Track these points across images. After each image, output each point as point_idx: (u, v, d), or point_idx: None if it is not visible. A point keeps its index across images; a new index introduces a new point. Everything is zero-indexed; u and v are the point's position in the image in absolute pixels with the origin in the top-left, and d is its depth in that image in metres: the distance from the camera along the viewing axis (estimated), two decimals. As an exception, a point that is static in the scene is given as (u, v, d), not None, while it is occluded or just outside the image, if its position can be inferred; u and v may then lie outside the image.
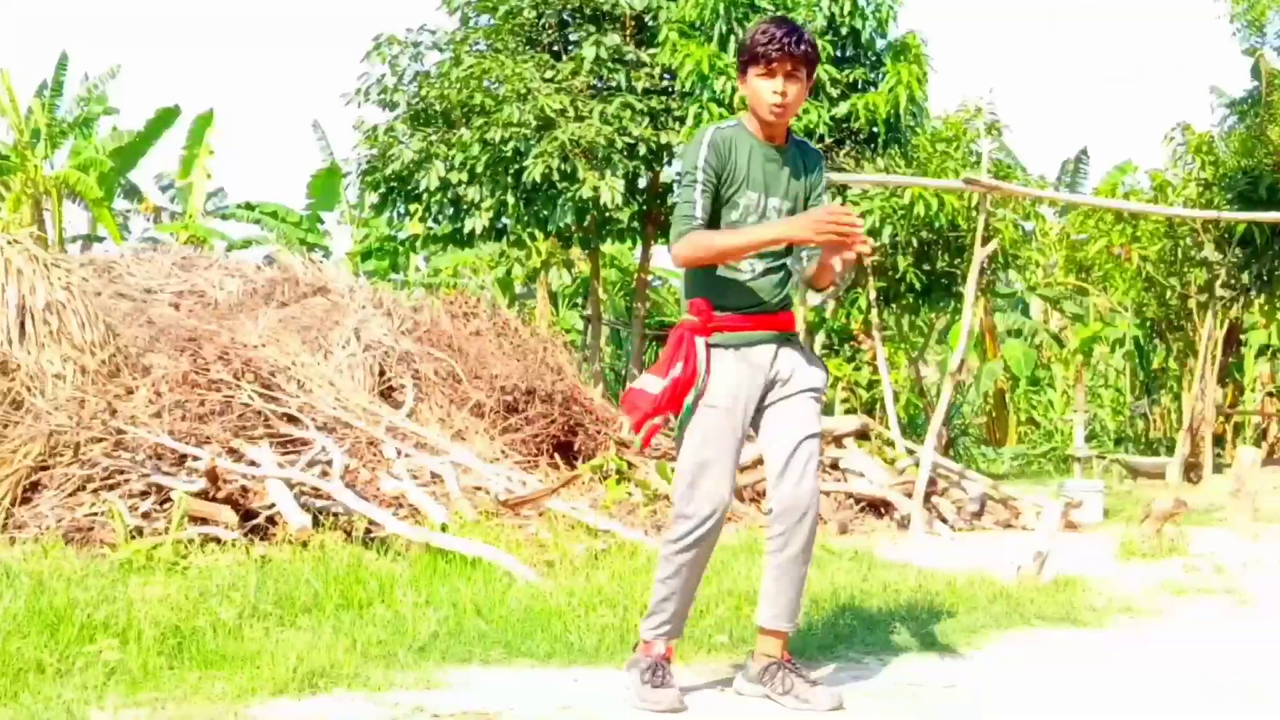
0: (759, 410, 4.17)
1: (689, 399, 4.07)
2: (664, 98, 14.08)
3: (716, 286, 4.14)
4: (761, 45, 4.06)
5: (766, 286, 4.16)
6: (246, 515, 7.01)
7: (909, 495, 9.28)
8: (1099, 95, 73.09)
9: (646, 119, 13.76)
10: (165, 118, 24.84)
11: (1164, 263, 15.24)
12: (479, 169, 13.57)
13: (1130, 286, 15.87)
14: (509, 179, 13.58)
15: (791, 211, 4.16)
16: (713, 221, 4.09)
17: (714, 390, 4.08)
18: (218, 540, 6.68)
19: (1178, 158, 14.90)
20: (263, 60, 78.77)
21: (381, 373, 9.46)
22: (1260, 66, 14.81)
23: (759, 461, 9.69)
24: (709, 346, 4.10)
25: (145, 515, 6.92)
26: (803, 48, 4.06)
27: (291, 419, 8.24)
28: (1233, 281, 14.90)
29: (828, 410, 17.16)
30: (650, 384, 4.13)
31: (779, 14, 4.22)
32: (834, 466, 10.13)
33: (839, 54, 13.36)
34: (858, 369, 17.25)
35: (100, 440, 7.38)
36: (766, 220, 4.12)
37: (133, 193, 27.43)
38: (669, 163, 14.69)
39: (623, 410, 4.35)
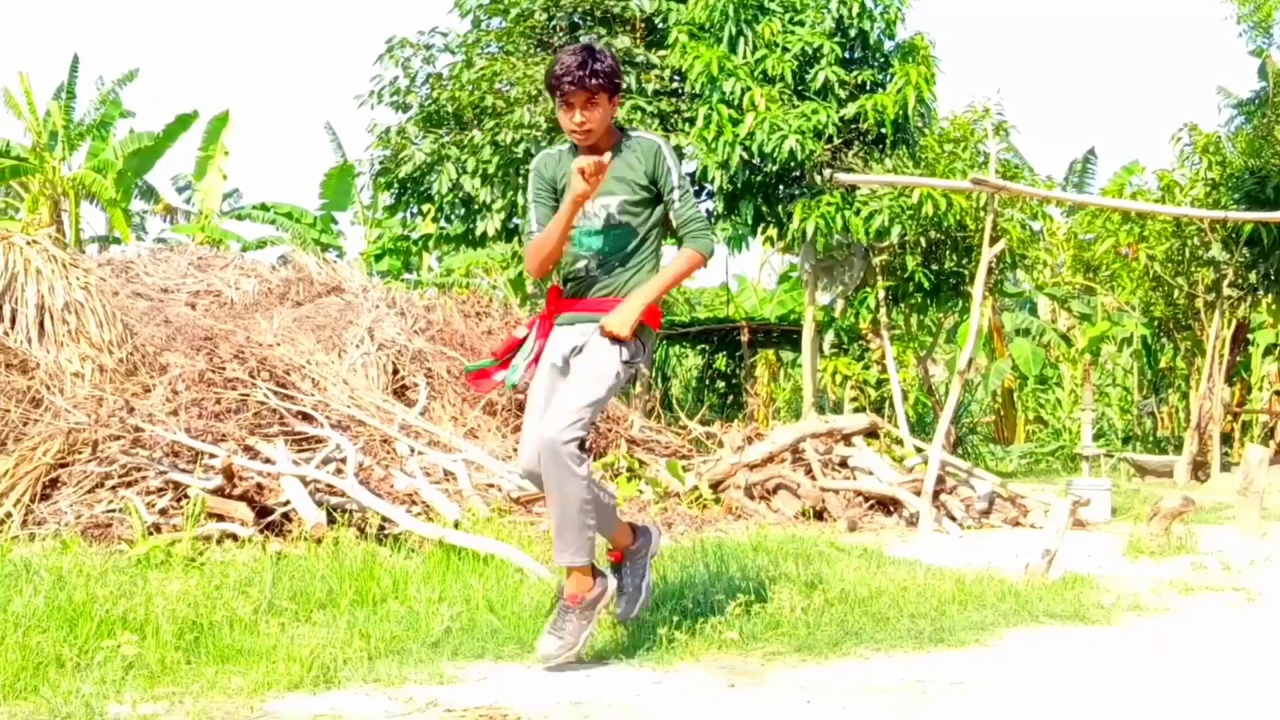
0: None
1: (518, 360, 4.59)
2: (674, 99, 14.14)
3: (563, 277, 4.66)
4: (555, 79, 4.36)
5: (598, 281, 4.55)
6: (262, 512, 7.08)
7: (918, 493, 9.31)
8: (1107, 96, 72.95)
9: (656, 120, 13.82)
10: (183, 122, 24.91)
11: (1171, 262, 15.26)
12: (491, 170, 13.65)
13: (1138, 286, 15.89)
14: (520, 180, 13.64)
15: (623, 204, 4.50)
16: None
17: (548, 349, 4.59)
18: (234, 537, 6.76)
19: (1185, 158, 14.92)
20: (278, 62, 79.00)
21: (395, 371, 9.54)
22: (1267, 67, 14.82)
23: (769, 459, 9.76)
24: (551, 322, 4.62)
25: (162, 512, 6.99)
26: (593, 80, 4.33)
27: (306, 417, 8.32)
28: (1240, 281, 14.92)
29: (837, 408, 17.20)
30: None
31: (579, 45, 4.38)
32: (843, 464, 10.18)
33: (847, 55, 13.42)
34: (866, 368, 17.27)
35: (118, 438, 7.46)
36: (590, 219, 4.52)
37: (149, 194, 27.52)
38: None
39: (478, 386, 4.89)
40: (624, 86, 4.53)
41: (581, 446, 4.36)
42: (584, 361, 4.47)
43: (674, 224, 4.61)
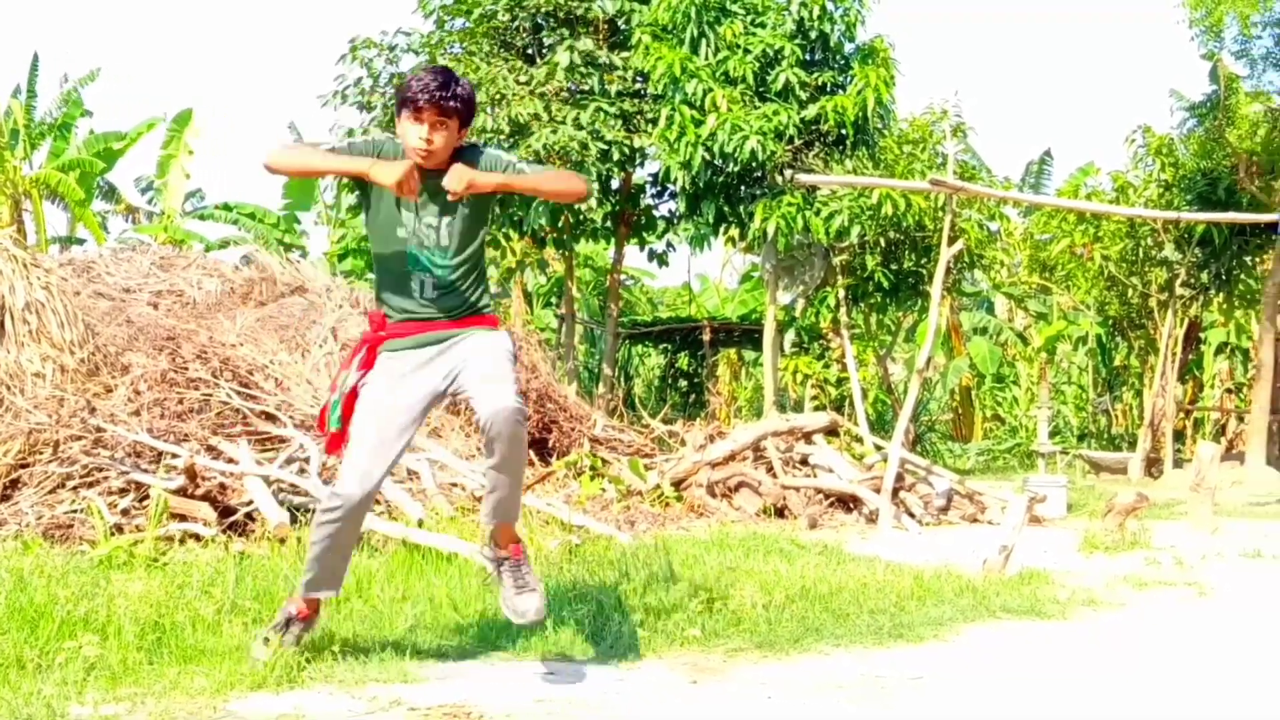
0: (455, 395, 4.38)
1: (336, 396, 4.41)
2: (636, 100, 14.18)
3: (391, 301, 4.39)
4: (412, 93, 4.24)
5: (439, 303, 4.34)
6: (225, 512, 7.06)
7: (877, 490, 9.40)
8: (1063, 98, 73.64)
9: (619, 122, 13.85)
10: (149, 126, 24.70)
11: (1125, 262, 15.47)
12: (453, 171, 13.62)
13: (1092, 285, 16.09)
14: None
15: (453, 224, 4.31)
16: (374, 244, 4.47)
17: (373, 377, 4.35)
18: (196, 537, 6.74)
19: (1139, 160, 15.13)
20: (240, 61, 78.40)
21: (357, 371, 9.51)
22: (1218, 70, 15.03)
23: (731, 458, 9.82)
24: (376, 350, 4.39)
25: (124, 512, 6.96)
26: (452, 103, 4.22)
27: (269, 417, 8.30)
28: (1192, 280, 15.14)
29: (798, 407, 17.30)
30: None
31: (439, 65, 4.38)
32: (804, 462, 10.26)
33: (808, 57, 13.50)
34: (827, 366, 17.41)
35: (79, 438, 7.41)
36: (426, 237, 4.31)
37: (111, 194, 27.26)
38: (641, 165, 14.80)
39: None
40: (458, 112, 4.27)
41: None
42: (482, 348, 4.29)
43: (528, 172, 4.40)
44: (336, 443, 4.43)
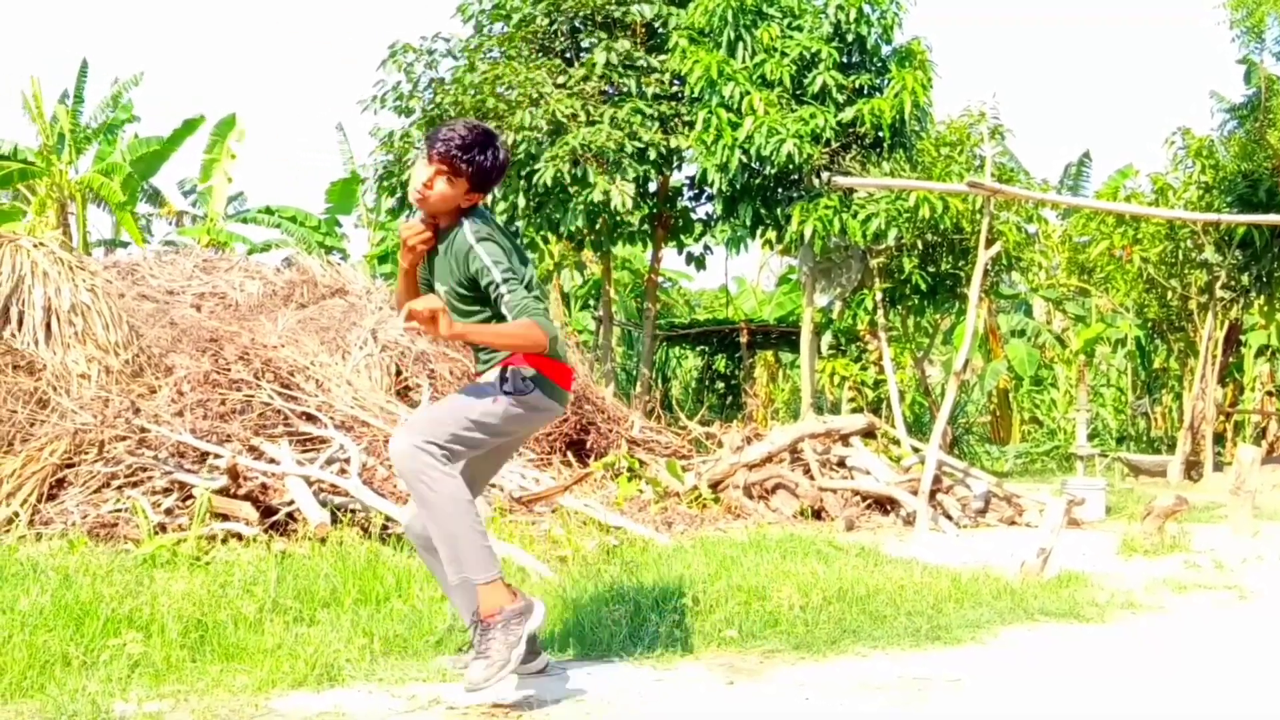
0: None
1: None
2: (673, 103, 14.20)
3: None
4: (432, 134, 4.19)
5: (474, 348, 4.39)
6: (267, 512, 7.14)
7: (915, 493, 9.38)
8: (1101, 100, 73.05)
9: (656, 124, 13.88)
10: (189, 127, 24.98)
11: (1165, 264, 15.33)
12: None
13: (1132, 288, 15.95)
14: (521, 182, 13.70)
15: (449, 293, 4.21)
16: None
17: None
18: (239, 536, 6.82)
19: (1178, 161, 14.99)
20: (283, 65, 79.05)
21: (398, 372, 9.60)
22: (1255, 72, 14.89)
23: (768, 459, 9.83)
24: None
25: (168, 512, 7.05)
26: (463, 163, 4.08)
27: (310, 417, 8.38)
28: (1233, 283, 14.99)
29: (835, 409, 17.26)
30: None
31: (485, 127, 4.25)
32: (841, 464, 10.25)
33: (845, 60, 13.48)
34: (864, 369, 17.35)
35: (124, 438, 7.52)
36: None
37: (155, 197, 27.58)
38: (678, 167, 14.82)
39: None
40: (467, 174, 4.11)
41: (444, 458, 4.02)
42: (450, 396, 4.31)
43: (504, 313, 4.05)
44: None
